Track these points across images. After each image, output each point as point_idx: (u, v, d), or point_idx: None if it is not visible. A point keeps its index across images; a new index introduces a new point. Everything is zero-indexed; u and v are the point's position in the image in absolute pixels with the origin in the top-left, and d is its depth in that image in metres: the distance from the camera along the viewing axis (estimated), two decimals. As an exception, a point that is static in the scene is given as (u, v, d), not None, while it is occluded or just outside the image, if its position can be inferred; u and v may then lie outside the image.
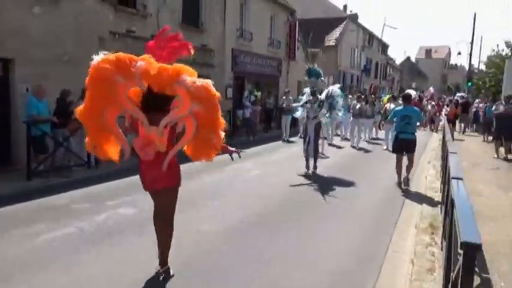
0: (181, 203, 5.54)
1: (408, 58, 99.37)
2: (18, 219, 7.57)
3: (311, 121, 12.21)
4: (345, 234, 7.15)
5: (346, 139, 20.04)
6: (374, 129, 21.29)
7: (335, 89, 12.51)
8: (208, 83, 4.64)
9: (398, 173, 10.77)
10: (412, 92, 29.11)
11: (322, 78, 12.72)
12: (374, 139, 20.77)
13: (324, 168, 12.77)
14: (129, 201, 8.72)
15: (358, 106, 18.59)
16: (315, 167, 12.34)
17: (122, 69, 4.46)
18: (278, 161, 14.24)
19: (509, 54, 35.24)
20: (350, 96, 24.73)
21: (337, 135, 21.09)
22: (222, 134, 4.84)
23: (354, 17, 50.12)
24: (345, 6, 55.88)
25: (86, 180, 10.65)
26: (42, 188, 9.90)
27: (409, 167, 10.68)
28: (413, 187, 10.72)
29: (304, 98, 12.60)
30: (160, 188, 5.14)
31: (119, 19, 15.32)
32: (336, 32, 46.02)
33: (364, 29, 53.54)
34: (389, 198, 9.68)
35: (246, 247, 6.45)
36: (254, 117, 20.92)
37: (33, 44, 12.12)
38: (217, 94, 4.64)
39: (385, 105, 19.26)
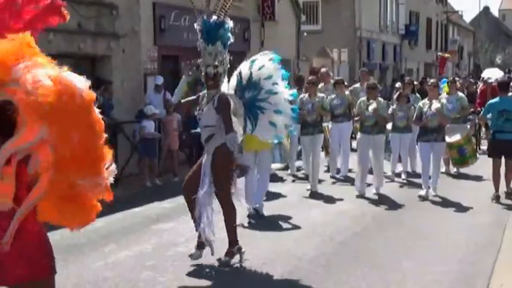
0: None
1: (486, 10, 65.47)
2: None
3: (204, 150, 5.87)
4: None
5: (340, 179, 10.61)
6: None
7: (264, 62, 5.84)
8: (71, 77, 2.67)
9: (496, 184, 8.94)
10: (496, 73, 20.47)
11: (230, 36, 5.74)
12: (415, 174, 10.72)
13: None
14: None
15: (372, 107, 9.00)
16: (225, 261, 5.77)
17: None
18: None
19: None
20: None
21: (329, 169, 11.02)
22: (107, 173, 2.87)
23: None
24: None
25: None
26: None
27: (509, 177, 8.99)
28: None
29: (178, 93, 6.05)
30: (11, 283, 2.82)
31: None
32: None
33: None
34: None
35: None
36: (170, 134, 10.83)
37: None
38: (90, 96, 2.70)
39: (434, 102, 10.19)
